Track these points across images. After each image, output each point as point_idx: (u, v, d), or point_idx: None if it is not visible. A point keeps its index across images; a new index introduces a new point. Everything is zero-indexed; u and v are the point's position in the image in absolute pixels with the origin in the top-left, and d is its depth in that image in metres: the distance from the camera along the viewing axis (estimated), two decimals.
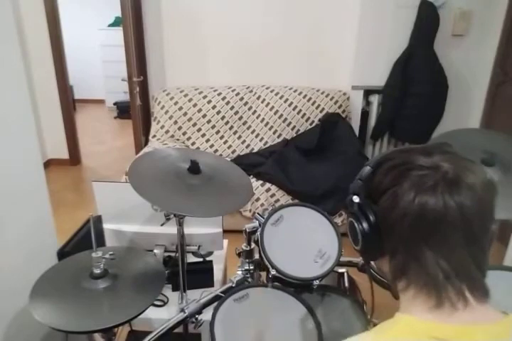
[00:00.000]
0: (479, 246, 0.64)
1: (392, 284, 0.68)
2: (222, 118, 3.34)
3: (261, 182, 2.85)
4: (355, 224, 0.69)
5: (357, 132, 3.36)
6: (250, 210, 2.81)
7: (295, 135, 3.33)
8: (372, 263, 0.77)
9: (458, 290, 0.61)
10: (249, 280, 1.47)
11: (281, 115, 3.32)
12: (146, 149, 3.20)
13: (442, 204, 0.60)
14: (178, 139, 3.36)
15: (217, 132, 3.35)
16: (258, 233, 1.46)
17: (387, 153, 0.71)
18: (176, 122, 3.34)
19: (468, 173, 0.62)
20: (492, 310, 0.63)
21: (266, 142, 3.34)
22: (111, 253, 1.23)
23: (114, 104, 6.05)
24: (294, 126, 3.34)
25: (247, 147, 3.36)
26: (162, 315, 1.47)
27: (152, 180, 1.28)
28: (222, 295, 1.32)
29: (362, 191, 0.70)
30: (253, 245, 1.48)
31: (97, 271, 1.22)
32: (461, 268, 0.62)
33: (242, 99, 3.36)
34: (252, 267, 1.48)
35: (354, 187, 0.71)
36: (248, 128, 3.38)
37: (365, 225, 0.67)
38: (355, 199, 0.70)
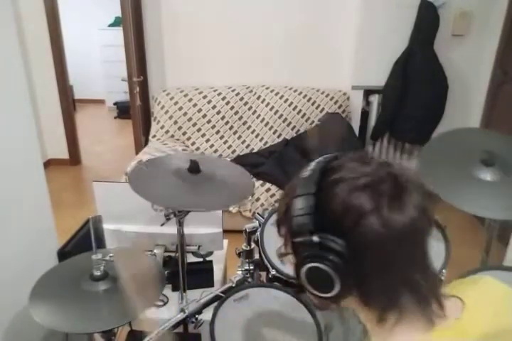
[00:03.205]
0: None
1: (379, 319, 0.61)
2: (222, 118, 3.34)
3: (261, 182, 2.85)
4: (325, 267, 0.58)
5: (357, 132, 3.36)
6: (250, 210, 2.81)
7: (295, 135, 3.33)
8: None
9: (439, 305, 0.61)
10: (249, 280, 1.47)
11: (281, 115, 3.32)
12: (146, 149, 3.20)
13: (409, 218, 0.57)
14: (178, 139, 3.36)
15: (217, 132, 3.35)
16: (258, 233, 1.46)
17: (314, 172, 0.61)
18: (176, 122, 3.34)
19: (408, 178, 0.60)
20: (455, 310, 0.62)
21: (266, 142, 3.33)
22: (111, 255, 1.23)
23: (114, 104, 6.05)
24: (294, 126, 3.33)
25: (247, 147, 3.36)
26: (162, 315, 1.47)
27: (152, 180, 1.28)
28: (222, 295, 1.32)
29: (315, 226, 0.58)
30: (253, 245, 1.48)
31: (97, 273, 1.21)
32: (433, 282, 0.61)
33: (242, 99, 3.36)
34: (252, 267, 1.48)
35: (302, 225, 0.59)
36: (248, 128, 3.38)
37: (340, 264, 0.57)
38: (316, 239, 0.58)
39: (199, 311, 1.35)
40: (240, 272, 1.47)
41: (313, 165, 0.64)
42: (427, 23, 3.01)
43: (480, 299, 0.65)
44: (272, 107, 3.33)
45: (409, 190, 0.58)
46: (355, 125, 3.39)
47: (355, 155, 0.63)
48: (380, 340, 0.62)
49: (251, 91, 3.39)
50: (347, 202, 0.56)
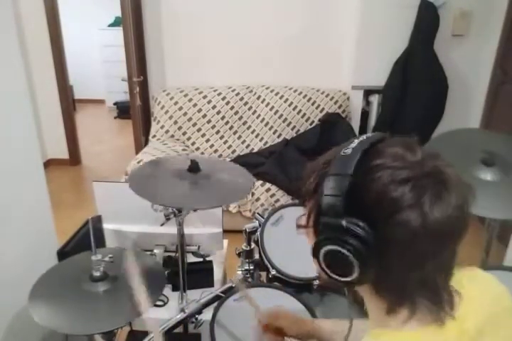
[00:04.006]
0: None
1: (389, 310, 0.61)
2: (222, 118, 3.34)
3: (261, 182, 2.85)
4: (347, 253, 0.56)
5: (357, 132, 3.35)
6: (250, 210, 2.81)
7: (295, 135, 3.33)
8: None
9: (450, 296, 0.61)
10: (249, 280, 1.47)
11: (281, 115, 3.32)
12: (146, 149, 3.20)
13: (447, 216, 0.54)
14: (178, 139, 3.36)
15: (217, 132, 3.35)
16: (258, 233, 1.46)
17: (360, 152, 0.57)
18: (176, 122, 3.34)
19: (451, 175, 0.57)
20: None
21: (266, 142, 3.33)
22: (110, 255, 1.23)
23: (114, 104, 6.05)
24: (294, 126, 3.33)
25: (247, 147, 3.36)
26: (162, 315, 1.47)
27: (152, 179, 1.28)
28: (222, 295, 1.32)
29: (346, 210, 0.56)
30: (253, 245, 1.48)
31: (97, 274, 1.21)
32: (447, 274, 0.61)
33: (242, 99, 3.36)
34: (252, 267, 1.48)
35: (332, 206, 0.56)
36: (248, 128, 3.38)
37: (364, 251, 0.55)
38: (344, 223, 0.55)
39: (199, 311, 1.35)
40: (240, 272, 1.47)
41: (356, 143, 0.59)
42: (427, 23, 3.01)
43: (479, 295, 0.66)
44: (272, 107, 3.33)
45: (451, 188, 0.55)
46: (355, 125, 3.39)
47: (403, 140, 0.60)
48: (386, 331, 0.61)
49: (251, 91, 3.39)
50: (386, 192, 0.54)
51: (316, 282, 1.31)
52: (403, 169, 0.55)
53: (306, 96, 3.33)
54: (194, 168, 1.30)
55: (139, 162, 2.92)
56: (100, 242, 1.58)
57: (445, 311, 0.60)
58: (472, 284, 0.66)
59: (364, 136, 0.61)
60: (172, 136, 3.36)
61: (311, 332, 0.95)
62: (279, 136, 3.33)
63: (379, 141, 0.60)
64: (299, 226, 0.67)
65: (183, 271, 1.40)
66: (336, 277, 0.60)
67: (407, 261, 0.56)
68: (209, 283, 1.61)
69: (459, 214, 0.55)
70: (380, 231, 0.55)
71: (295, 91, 3.36)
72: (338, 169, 0.57)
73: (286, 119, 3.32)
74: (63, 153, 4.19)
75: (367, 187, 0.55)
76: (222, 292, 1.36)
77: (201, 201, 1.24)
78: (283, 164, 2.94)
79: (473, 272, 0.71)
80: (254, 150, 3.32)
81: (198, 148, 3.34)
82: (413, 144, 0.59)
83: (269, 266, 1.38)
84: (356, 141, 0.59)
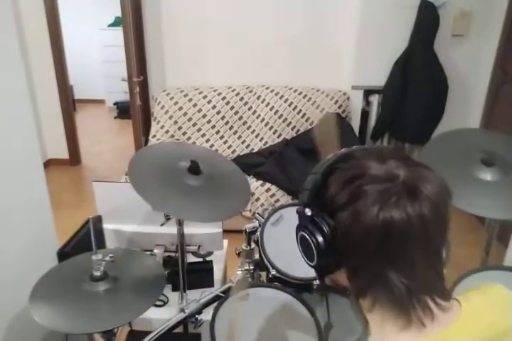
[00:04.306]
0: (438, 252, 0.62)
1: (355, 302, 0.66)
2: (222, 118, 3.34)
3: (261, 182, 2.85)
4: (309, 239, 0.63)
5: (357, 132, 3.36)
6: (250, 210, 2.81)
7: (295, 135, 3.33)
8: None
9: (424, 306, 0.60)
10: (249, 280, 1.47)
11: (281, 115, 3.32)
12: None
13: (406, 219, 0.57)
14: (178, 139, 3.36)
15: (217, 132, 3.35)
16: (258, 233, 1.46)
17: (336, 157, 0.65)
18: (176, 122, 3.34)
19: (424, 181, 0.59)
20: (452, 314, 0.62)
21: (266, 142, 3.33)
22: (111, 255, 1.23)
23: (114, 104, 6.05)
24: (294, 126, 3.33)
25: (247, 147, 3.36)
26: (162, 315, 1.47)
27: (152, 179, 1.28)
28: (222, 295, 1.32)
29: (312, 202, 0.64)
30: (253, 245, 1.48)
31: (97, 274, 1.21)
32: (425, 282, 0.60)
33: (242, 99, 3.36)
34: (252, 267, 1.48)
35: (303, 198, 0.66)
36: (248, 128, 3.38)
37: (320, 240, 0.62)
38: (308, 212, 0.64)
39: (199, 311, 1.35)
40: (240, 272, 1.47)
41: (340, 151, 0.68)
42: (427, 23, 3.01)
43: (480, 309, 0.64)
44: (272, 107, 3.33)
45: (402, 194, 0.57)
46: (355, 125, 3.39)
47: (378, 151, 0.65)
48: (372, 331, 0.63)
49: (251, 91, 3.39)
50: (340, 190, 0.60)
51: (316, 282, 1.31)
52: (350, 170, 0.61)
53: (306, 96, 3.33)
54: (194, 169, 1.30)
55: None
56: (100, 242, 1.58)
57: (417, 315, 0.59)
58: (480, 300, 0.65)
59: (347, 148, 0.69)
60: (172, 136, 3.36)
61: None
62: (279, 136, 3.33)
63: (356, 150, 0.67)
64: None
65: (183, 271, 1.40)
66: (308, 262, 0.68)
67: (358, 253, 0.60)
68: (209, 283, 1.61)
69: (414, 219, 0.57)
70: (337, 222, 0.61)
71: (295, 91, 3.36)
72: (315, 169, 0.66)
73: (286, 119, 3.32)
74: (63, 153, 4.19)
75: (330, 184, 0.62)
76: (222, 292, 1.36)
77: (201, 215, 1.25)
78: (283, 164, 2.94)
79: (489, 288, 0.69)
80: (254, 150, 3.32)
81: None
82: (385, 154, 0.63)
83: (269, 266, 1.38)
84: (341, 150, 0.68)
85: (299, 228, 0.67)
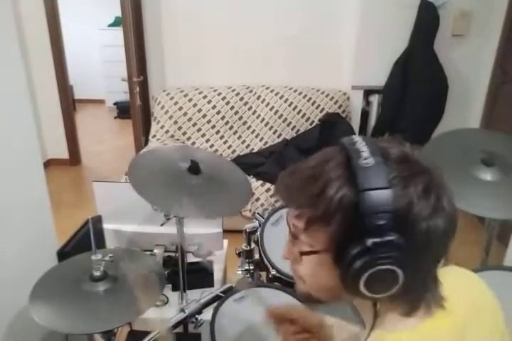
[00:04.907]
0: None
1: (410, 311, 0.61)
2: (222, 118, 3.34)
3: (261, 182, 2.85)
4: (397, 270, 0.54)
5: (357, 132, 3.35)
6: (250, 210, 2.81)
7: (295, 135, 3.33)
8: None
9: (437, 301, 0.62)
10: (249, 280, 1.47)
11: (281, 115, 3.32)
12: (146, 149, 3.19)
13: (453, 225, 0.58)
14: (178, 139, 3.36)
15: (217, 132, 3.35)
16: (258, 233, 1.46)
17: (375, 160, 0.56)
18: (176, 122, 3.34)
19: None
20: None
21: (266, 142, 3.33)
22: (111, 255, 1.23)
23: (114, 104, 6.04)
24: (294, 126, 3.33)
25: (247, 147, 3.36)
26: (162, 315, 1.47)
27: (152, 179, 1.28)
28: (222, 295, 1.32)
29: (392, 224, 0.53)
30: (253, 245, 1.48)
31: (97, 274, 1.21)
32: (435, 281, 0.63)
33: (242, 99, 3.36)
34: (252, 267, 1.48)
35: (380, 226, 0.52)
36: (248, 128, 3.38)
37: (408, 265, 0.55)
38: (397, 240, 0.53)
39: (199, 311, 1.35)
40: (240, 272, 1.47)
41: (364, 148, 0.58)
42: (427, 23, 3.01)
43: (459, 287, 0.67)
44: (272, 107, 3.33)
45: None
46: (355, 125, 3.39)
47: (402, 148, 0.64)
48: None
49: (251, 91, 3.39)
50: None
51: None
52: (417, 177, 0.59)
53: (306, 96, 3.33)
54: (194, 169, 1.30)
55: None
56: (100, 242, 1.58)
57: (437, 303, 0.61)
58: (455, 279, 0.69)
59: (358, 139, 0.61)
60: (172, 136, 3.36)
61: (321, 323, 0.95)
62: (279, 136, 3.33)
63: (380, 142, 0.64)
64: (303, 253, 0.65)
65: (183, 271, 1.40)
66: (378, 296, 0.57)
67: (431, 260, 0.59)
68: (209, 283, 1.61)
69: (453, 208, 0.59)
70: (409, 238, 0.54)
71: (295, 91, 3.36)
72: (373, 183, 0.53)
73: (286, 119, 3.32)
74: (63, 153, 4.19)
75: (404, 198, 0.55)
76: (222, 292, 1.36)
77: (202, 212, 1.24)
78: (283, 164, 2.94)
79: (454, 269, 0.73)
80: (254, 150, 3.32)
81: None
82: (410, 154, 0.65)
83: (269, 266, 1.38)
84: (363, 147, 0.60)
85: (371, 264, 0.54)
